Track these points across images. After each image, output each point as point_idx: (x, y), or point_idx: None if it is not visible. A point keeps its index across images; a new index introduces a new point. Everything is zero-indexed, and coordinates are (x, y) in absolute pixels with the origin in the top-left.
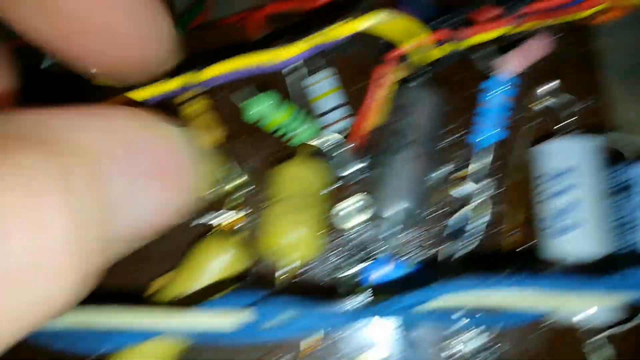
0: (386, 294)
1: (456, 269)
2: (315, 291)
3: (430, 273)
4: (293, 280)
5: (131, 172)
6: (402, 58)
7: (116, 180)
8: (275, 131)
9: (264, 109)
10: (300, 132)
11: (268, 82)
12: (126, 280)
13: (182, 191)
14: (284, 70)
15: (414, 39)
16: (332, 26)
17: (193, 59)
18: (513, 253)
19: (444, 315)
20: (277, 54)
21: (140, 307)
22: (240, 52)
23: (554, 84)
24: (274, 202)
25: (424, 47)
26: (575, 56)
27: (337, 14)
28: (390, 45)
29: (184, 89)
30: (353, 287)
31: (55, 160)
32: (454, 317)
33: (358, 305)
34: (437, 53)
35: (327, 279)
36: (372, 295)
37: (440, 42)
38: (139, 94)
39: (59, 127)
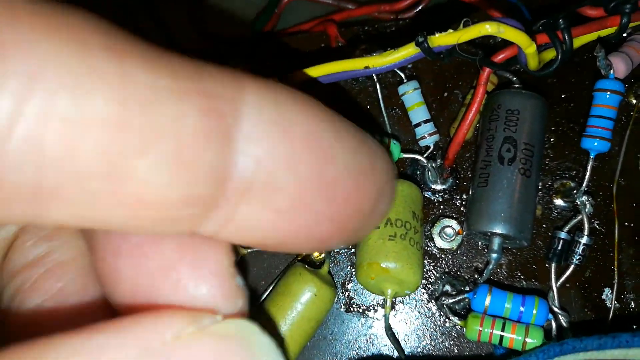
0: None
1: None
2: (419, 320)
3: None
4: (395, 309)
5: None
6: (509, 62)
7: None
8: None
9: None
10: None
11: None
12: None
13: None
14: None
15: (529, 49)
16: (439, 35)
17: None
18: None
19: None
20: (383, 60)
21: None
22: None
23: None
24: None
25: (535, 58)
26: None
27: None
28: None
29: None
30: (464, 313)
31: None
32: None
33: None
34: (549, 55)
35: (429, 304)
36: None
37: (542, 45)
38: None
39: None
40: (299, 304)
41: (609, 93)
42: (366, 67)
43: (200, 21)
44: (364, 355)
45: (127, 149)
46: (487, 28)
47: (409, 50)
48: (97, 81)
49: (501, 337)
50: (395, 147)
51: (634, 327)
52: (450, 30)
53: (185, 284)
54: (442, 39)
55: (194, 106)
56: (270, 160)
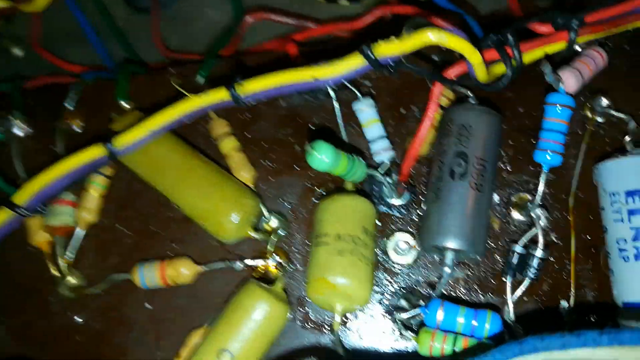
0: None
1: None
2: (373, 335)
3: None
4: (350, 325)
5: None
6: (460, 77)
7: None
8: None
9: (332, 156)
10: (354, 174)
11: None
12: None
13: None
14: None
15: (473, 58)
16: (382, 43)
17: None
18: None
19: None
20: (329, 70)
21: None
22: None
23: (606, 101)
24: (320, 244)
25: (482, 67)
26: (629, 69)
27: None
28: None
29: (229, 103)
30: (416, 328)
31: None
32: None
33: None
34: (500, 69)
35: (384, 319)
36: None
37: (493, 61)
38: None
39: None
40: (250, 320)
41: (559, 107)
42: (314, 79)
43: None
44: None
45: None
46: (430, 36)
47: (355, 60)
48: None
49: (454, 352)
50: (361, 164)
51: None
52: (393, 38)
53: None
54: (386, 48)
55: None
56: None
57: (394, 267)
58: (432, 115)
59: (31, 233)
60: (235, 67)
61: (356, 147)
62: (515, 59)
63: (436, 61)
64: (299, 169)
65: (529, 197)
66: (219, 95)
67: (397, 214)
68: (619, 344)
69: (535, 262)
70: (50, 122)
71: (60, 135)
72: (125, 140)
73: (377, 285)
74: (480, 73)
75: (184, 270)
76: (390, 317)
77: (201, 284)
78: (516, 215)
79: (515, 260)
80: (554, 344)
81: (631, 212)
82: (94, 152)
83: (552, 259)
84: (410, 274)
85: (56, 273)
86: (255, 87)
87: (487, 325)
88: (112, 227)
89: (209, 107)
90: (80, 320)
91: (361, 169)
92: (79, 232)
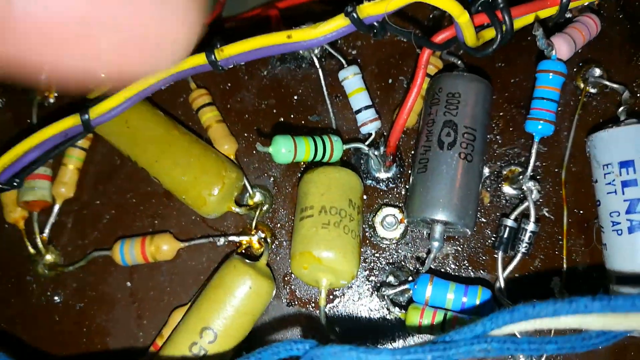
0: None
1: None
2: (361, 313)
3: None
4: (337, 302)
5: None
6: (448, 42)
7: None
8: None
9: (289, 149)
10: (329, 154)
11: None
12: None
13: None
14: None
15: (461, 18)
16: (367, 4)
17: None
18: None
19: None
20: (310, 32)
21: None
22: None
23: (599, 71)
24: (304, 217)
25: (470, 29)
26: (623, 39)
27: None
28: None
29: (205, 68)
30: (405, 304)
31: None
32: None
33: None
34: (490, 34)
35: (372, 296)
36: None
37: (483, 25)
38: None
39: None
40: (233, 297)
41: (551, 74)
42: (288, 37)
43: None
44: None
45: None
46: None
47: (339, 22)
48: None
49: (442, 329)
50: (337, 143)
51: None
52: None
53: None
54: (371, 8)
55: None
56: None
57: (382, 243)
58: (421, 83)
59: (6, 209)
60: (215, 31)
61: (332, 129)
62: (506, 23)
63: (425, 26)
64: None
65: (519, 169)
66: (198, 61)
67: (385, 188)
68: (611, 311)
69: (526, 237)
70: (23, 93)
71: (35, 106)
72: (101, 110)
73: (364, 261)
74: (469, 36)
75: (164, 247)
76: (377, 294)
77: (183, 261)
78: (507, 189)
79: (506, 234)
80: (546, 311)
81: (625, 184)
82: (69, 122)
83: (543, 234)
84: (399, 249)
85: (32, 250)
86: (234, 51)
87: (478, 301)
88: (90, 202)
89: (186, 72)
90: (59, 299)
91: (336, 148)
92: (56, 207)
